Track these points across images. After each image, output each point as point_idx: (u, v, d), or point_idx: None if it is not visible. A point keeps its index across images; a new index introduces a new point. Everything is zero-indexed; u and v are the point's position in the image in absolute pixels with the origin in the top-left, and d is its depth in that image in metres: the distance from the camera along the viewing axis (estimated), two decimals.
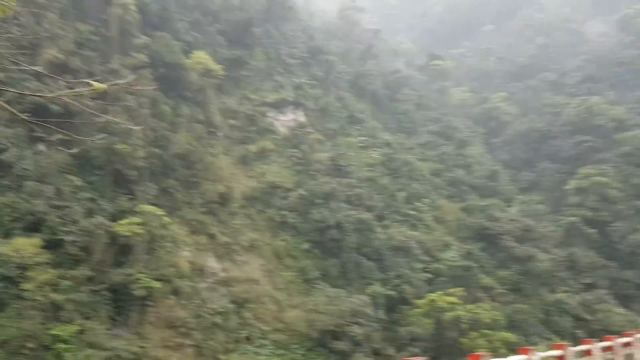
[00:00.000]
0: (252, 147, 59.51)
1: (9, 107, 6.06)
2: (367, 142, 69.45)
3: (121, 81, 6.44)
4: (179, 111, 55.60)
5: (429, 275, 52.53)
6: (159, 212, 41.59)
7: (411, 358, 37.82)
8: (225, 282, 44.57)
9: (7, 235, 37.31)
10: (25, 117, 6.56)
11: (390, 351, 44.15)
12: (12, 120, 43.85)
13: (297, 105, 68.37)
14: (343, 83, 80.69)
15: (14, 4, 6.24)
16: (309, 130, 66.35)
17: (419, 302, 45.51)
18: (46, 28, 49.31)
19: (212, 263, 45.61)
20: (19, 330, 33.30)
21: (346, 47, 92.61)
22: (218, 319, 41.14)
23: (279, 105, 66.98)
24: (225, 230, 48.93)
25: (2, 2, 6.10)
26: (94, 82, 5.78)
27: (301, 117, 67.69)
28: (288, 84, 71.38)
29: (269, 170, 57.59)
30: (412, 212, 61.21)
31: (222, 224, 49.57)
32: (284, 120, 66.53)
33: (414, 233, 57.02)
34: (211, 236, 47.51)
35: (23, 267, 35.54)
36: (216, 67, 59.36)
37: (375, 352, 43.39)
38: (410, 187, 64.56)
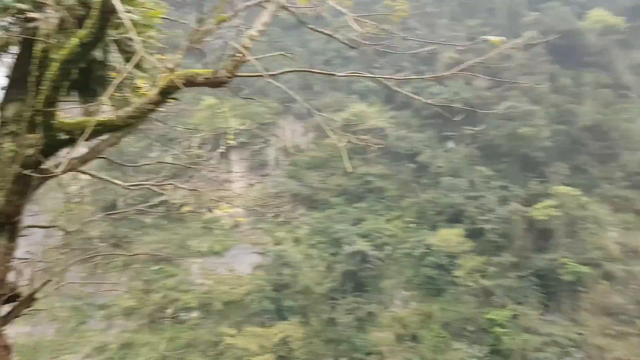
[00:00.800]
0: None
1: (432, 103, 6.44)
2: None
3: (516, 40, 5.84)
4: (581, 80, 50.78)
5: None
6: (575, 192, 38.81)
7: None
8: None
9: (433, 227, 41.97)
10: (438, 105, 6.96)
11: None
12: (423, 125, 49.44)
13: None
14: None
15: (405, 7, 6.40)
16: None
17: None
18: (440, 34, 53.68)
19: None
20: (457, 314, 36.65)
21: None
22: None
23: None
24: None
25: (397, 7, 6.35)
26: (490, 37, 5.47)
27: None
28: None
29: None
30: None
31: None
32: None
33: None
34: None
35: (451, 256, 39.23)
36: (617, 21, 52.20)
37: None
38: None
